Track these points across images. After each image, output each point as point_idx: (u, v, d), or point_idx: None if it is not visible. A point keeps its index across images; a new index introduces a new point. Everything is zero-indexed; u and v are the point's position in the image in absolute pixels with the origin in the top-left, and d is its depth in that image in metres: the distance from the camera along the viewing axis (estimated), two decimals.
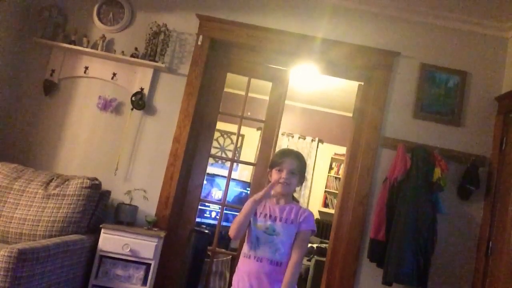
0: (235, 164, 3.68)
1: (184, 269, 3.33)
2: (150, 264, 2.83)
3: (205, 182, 3.57)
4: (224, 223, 4.95)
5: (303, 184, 6.75)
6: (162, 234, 2.93)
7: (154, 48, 3.22)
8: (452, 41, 3.33)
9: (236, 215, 1.92)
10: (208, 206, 5.06)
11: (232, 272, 3.45)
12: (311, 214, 1.92)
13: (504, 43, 3.32)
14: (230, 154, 6.75)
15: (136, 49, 3.25)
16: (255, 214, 1.92)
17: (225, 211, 4.02)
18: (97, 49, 3.23)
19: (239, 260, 1.94)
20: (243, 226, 1.88)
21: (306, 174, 1.99)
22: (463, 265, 3.11)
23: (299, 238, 1.86)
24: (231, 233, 1.89)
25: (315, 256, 4.82)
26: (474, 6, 3.15)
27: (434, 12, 3.29)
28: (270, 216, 1.89)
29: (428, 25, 3.34)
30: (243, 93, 3.57)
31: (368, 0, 3.30)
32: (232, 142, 6.94)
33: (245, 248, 1.91)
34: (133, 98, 3.22)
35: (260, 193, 1.85)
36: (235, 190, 5.28)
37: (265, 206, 1.93)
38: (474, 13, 3.22)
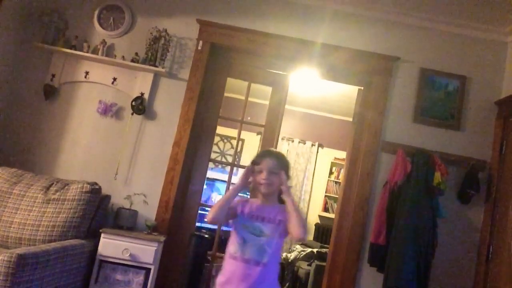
0: (235, 168, 3.67)
1: (184, 274, 3.32)
2: (150, 269, 2.82)
3: (205, 186, 3.57)
4: (224, 228, 4.95)
5: (301, 187, 6.76)
6: (162, 238, 2.92)
7: (155, 53, 3.23)
8: (451, 46, 3.34)
9: None
10: (208, 211, 5.05)
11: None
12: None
13: (503, 48, 3.33)
14: (230, 159, 6.75)
15: (136, 54, 3.26)
16: (243, 214, 1.90)
17: None
18: (97, 54, 3.24)
19: (225, 260, 1.91)
20: (222, 210, 1.87)
21: (290, 173, 1.97)
22: (464, 269, 3.10)
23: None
24: (209, 215, 1.88)
25: (316, 261, 4.80)
26: (473, 11, 3.16)
27: (434, 17, 3.30)
28: (258, 216, 1.88)
29: (427, 30, 3.35)
30: (243, 97, 3.57)
31: (368, 5, 3.32)
32: (232, 147, 6.94)
33: (231, 249, 1.88)
34: (133, 103, 3.22)
35: (238, 182, 1.90)
36: None
37: (252, 206, 1.91)
38: (474, 18, 3.24)
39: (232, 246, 1.88)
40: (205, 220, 1.94)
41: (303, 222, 1.82)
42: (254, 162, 1.94)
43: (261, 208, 1.91)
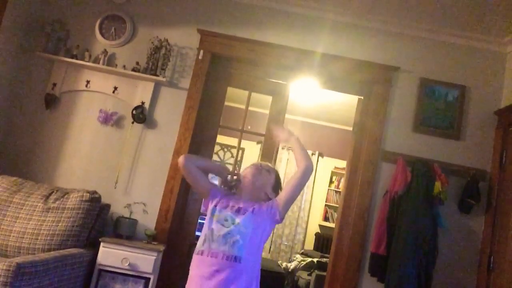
0: None
1: (184, 283, 3.29)
2: (149, 279, 2.81)
3: None
4: None
5: (302, 197, 6.74)
6: (162, 248, 2.91)
7: (155, 63, 3.25)
8: (451, 56, 3.36)
9: None
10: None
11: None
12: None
13: (502, 58, 3.35)
14: (230, 168, 6.74)
15: (137, 63, 3.27)
16: (216, 206, 1.72)
17: None
18: (98, 63, 3.26)
19: (192, 260, 1.67)
20: (197, 162, 1.78)
21: (279, 188, 1.86)
22: (465, 279, 3.08)
23: (287, 188, 1.76)
24: (184, 160, 1.73)
25: (316, 271, 4.78)
26: (472, 21, 3.18)
27: (433, 27, 3.32)
28: (231, 207, 1.69)
29: (427, 40, 3.37)
30: (243, 107, 3.58)
31: (368, 15, 3.34)
32: (232, 156, 6.94)
33: (198, 244, 1.66)
34: (134, 112, 3.23)
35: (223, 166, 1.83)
36: None
37: (228, 198, 1.76)
38: (473, 28, 3.26)
39: (199, 241, 1.65)
40: (179, 160, 1.75)
41: (307, 155, 1.80)
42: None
43: (237, 200, 1.75)
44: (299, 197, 6.74)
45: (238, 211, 1.67)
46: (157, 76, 3.23)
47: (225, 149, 6.97)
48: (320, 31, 3.39)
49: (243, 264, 1.57)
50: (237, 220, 1.63)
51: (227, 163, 6.90)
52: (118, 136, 3.28)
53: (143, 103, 3.27)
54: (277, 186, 1.86)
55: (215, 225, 1.63)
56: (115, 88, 3.30)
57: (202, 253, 1.60)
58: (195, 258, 1.64)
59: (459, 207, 3.14)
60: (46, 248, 2.66)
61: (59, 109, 3.31)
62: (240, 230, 1.61)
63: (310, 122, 6.91)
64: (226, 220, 1.64)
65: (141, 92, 3.29)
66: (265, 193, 1.81)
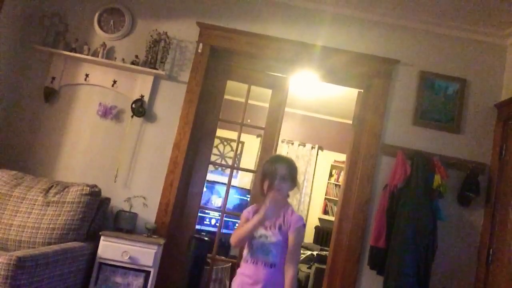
0: (235, 171, 3.67)
1: (184, 277, 3.32)
2: (149, 272, 2.82)
3: (205, 189, 3.57)
4: (224, 231, 4.94)
5: (301, 190, 6.75)
6: (162, 241, 2.92)
7: (155, 56, 3.24)
8: (451, 49, 3.35)
9: (236, 222, 1.97)
10: (208, 213, 5.05)
11: (232, 278, 3.45)
12: (298, 217, 1.98)
13: (502, 51, 3.34)
14: (230, 161, 6.74)
15: (136, 56, 3.26)
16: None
17: (225, 219, 4.01)
18: (97, 57, 3.25)
19: (241, 266, 2.05)
20: (245, 240, 1.98)
21: (298, 179, 2.07)
22: (464, 272, 3.10)
23: (289, 243, 1.93)
24: (233, 243, 2.00)
25: (316, 264, 4.80)
26: (472, 14, 3.16)
27: (433, 20, 3.31)
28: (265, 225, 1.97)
29: (427, 33, 3.36)
30: (243, 100, 3.57)
31: (368, 8, 3.32)
32: (232, 149, 6.94)
33: (244, 253, 2.02)
34: (133, 105, 3.22)
35: (261, 216, 1.88)
36: (235, 197, 5.27)
37: (258, 212, 1.97)
38: (473, 21, 3.24)
39: (245, 251, 2.01)
40: (231, 243, 2.05)
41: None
42: (267, 171, 2.01)
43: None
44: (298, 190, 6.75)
45: (270, 228, 1.96)
46: (156, 69, 3.22)
47: (225, 143, 6.97)
48: (320, 24, 3.37)
49: (278, 268, 1.92)
50: (269, 235, 1.95)
51: (227, 157, 6.90)
52: (117, 130, 3.27)
53: (142, 96, 3.26)
54: (293, 182, 2.04)
55: (254, 240, 1.96)
56: (114, 82, 3.30)
57: (247, 261, 1.98)
58: (242, 264, 2.01)
59: (458, 200, 3.15)
60: (46, 241, 2.67)
61: (58, 102, 3.30)
62: (273, 243, 1.94)
63: (310, 115, 6.90)
64: (261, 236, 1.95)
65: (140, 85, 3.28)
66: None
